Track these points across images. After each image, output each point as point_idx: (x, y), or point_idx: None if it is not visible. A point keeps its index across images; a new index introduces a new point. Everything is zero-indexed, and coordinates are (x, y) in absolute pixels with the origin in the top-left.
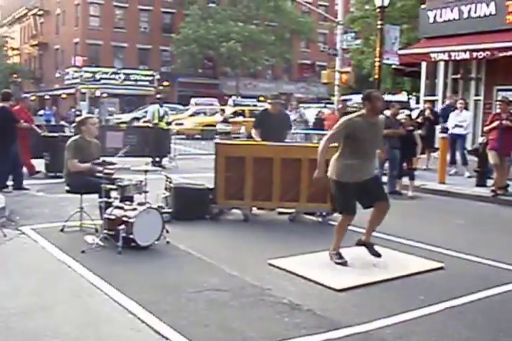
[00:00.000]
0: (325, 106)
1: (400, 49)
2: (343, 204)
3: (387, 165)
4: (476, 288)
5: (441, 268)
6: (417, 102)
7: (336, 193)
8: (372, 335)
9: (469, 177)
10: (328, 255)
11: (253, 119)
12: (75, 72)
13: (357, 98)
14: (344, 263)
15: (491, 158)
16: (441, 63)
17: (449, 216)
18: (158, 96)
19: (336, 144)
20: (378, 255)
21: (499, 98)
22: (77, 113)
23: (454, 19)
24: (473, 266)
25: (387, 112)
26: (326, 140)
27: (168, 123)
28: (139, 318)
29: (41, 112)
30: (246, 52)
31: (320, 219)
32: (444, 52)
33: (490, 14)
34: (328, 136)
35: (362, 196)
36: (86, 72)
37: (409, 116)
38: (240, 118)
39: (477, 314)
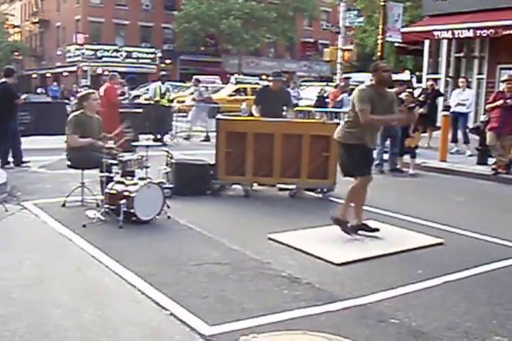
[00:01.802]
0: (327, 85)
1: (403, 27)
2: (364, 166)
3: (388, 142)
4: (474, 263)
5: (440, 243)
6: (419, 81)
7: (356, 157)
8: (370, 308)
9: (470, 155)
10: (327, 230)
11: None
12: (77, 49)
13: (357, 76)
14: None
15: (489, 138)
16: (445, 41)
17: (450, 193)
18: (163, 73)
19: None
20: (376, 230)
21: (505, 77)
22: (85, 88)
23: None
24: (473, 241)
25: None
26: (364, 114)
27: (170, 101)
28: (138, 289)
29: (39, 90)
30: (247, 29)
31: (320, 195)
32: (447, 30)
33: None
34: (362, 109)
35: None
36: (87, 49)
37: (412, 93)
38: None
39: (475, 288)
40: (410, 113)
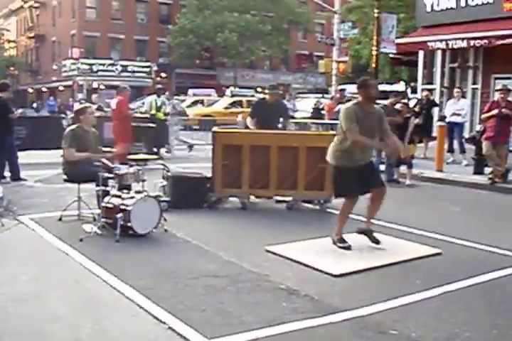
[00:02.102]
0: (322, 97)
1: (397, 38)
2: (345, 188)
3: (384, 153)
4: (472, 272)
5: (438, 253)
6: (413, 92)
7: (337, 178)
8: (369, 319)
9: (467, 165)
10: (325, 241)
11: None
12: (72, 64)
13: (351, 88)
14: (348, 248)
15: (485, 148)
16: (439, 52)
17: (447, 203)
18: (159, 86)
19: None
20: (377, 242)
21: (499, 86)
22: (82, 102)
23: (451, 8)
24: (470, 251)
25: (386, 101)
26: (352, 133)
27: (166, 114)
28: (136, 303)
29: (34, 105)
30: (242, 42)
31: (318, 207)
32: (441, 40)
33: (487, 2)
34: (349, 128)
35: (360, 181)
36: (83, 63)
37: (407, 104)
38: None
39: (474, 298)
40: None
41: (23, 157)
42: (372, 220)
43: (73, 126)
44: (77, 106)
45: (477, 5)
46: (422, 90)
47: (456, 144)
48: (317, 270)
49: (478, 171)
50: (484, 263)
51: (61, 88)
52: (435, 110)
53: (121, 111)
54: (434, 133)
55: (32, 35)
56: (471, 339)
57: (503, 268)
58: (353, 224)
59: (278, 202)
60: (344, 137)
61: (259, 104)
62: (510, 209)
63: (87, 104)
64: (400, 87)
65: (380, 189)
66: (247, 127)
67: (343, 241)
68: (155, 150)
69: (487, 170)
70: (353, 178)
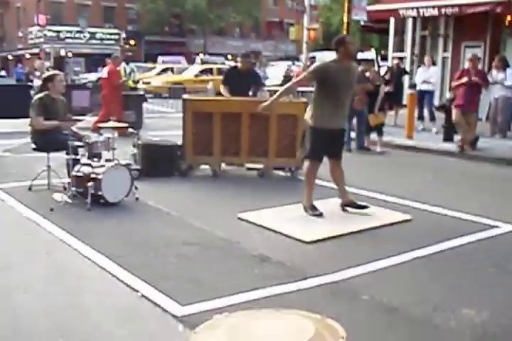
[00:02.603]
0: (293, 64)
1: (368, 5)
2: (314, 149)
3: (355, 121)
4: (442, 238)
5: (408, 220)
6: (383, 59)
7: (311, 139)
8: (341, 285)
9: (437, 133)
10: (296, 208)
11: (221, 77)
12: (38, 31)
13: (320, 55)
14: (319, 215)
15: (455, 115)
16: (410, 20)
17: (417, 170)
18: (129, 54)
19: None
20: (366, 207)
21: (469, 55)
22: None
23: None
24: (440, 217)
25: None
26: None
27: (135, 82)
28: (108, 272)
29: (2, 73)
30: (212, 8)
31: (289, 174)
32: (412, 8)
33: None
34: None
35: (327, 146)
36: (50, 30)
37: (378, 72)
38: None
39: (444, 263)
40: (377, 91)
41: None
42: (341, 188)
43: (41, 94)
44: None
45: None
46: (393, 58)
47: (426, 112)
48: (289, 237)
49: (448, 138)
50: (453, 229)
51: (27, 56)
52: (405, 78)
53: (112, 79)
54: (405, 101)
55: None
56: (441, 302)
57: (470, 233)
58: (323, 190)
59: (249, 169)
60: (317, 95)
61: (231, 72)
62: (479, 177)
63: (56, 72)
64: (371, 54)
65: (337, 161)
66: (218, 94)
67: (314, 208)
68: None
69: (456, 137)
70: (324, 141)
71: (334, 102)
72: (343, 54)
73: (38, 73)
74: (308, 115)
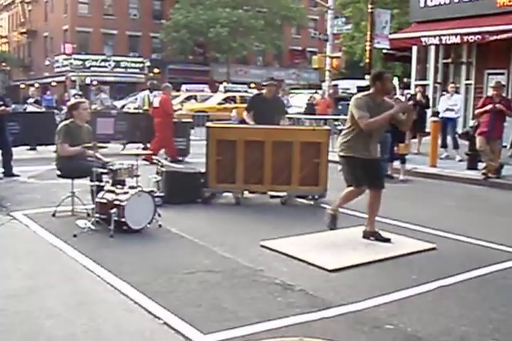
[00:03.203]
0: (316, 92)
1: (390, 33)
2: (356, 178)
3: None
4: (467, 267)
5: (433, 248)
6: (405, 88)
7: (348, 169)
8: (364, 314)
9: (460, 160)
10: (319, 236)
11: (245, 105)
12: (65, 59)
13: (343, 83)
14: (332, 228)
15: (479, 143)
16: (432, 47)
17: (441, 198)
18: (153, 81)
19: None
20: (388, 240)
21: (492, 83)
22: (76, 97)
23: (445, 3)
24: (464, 246)
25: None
26: (363, 120)
27: None
28: (131, 299)
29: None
30: (235, 37)
31: (312, 202)
32: (434, 36)
33: None
34: (361, 116)
35: (365, 174)
36: (76, 59)
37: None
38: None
39: (468, 292)
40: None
41: (16, 153)
42: (364, 215)
43: (66, 122)
44: (72, 100)
45: (470, 0)
46: (416, 86)
47: (449, 139)
48: (312, 265)
49: (472, 166)
50: (478, 258)
51: (54, 83)
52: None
53: (164, 109)
54: (428, 129)
55: (24, 30)
56: (467, 333)
57: (497, 263)
58: (350, 218)
59: (272, 197)
60: (351, 129)
61: (255, 99)
62: (504, 204)
63: (81, 99)
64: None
65: (378, 190)
66: (242, 122)
67: (334, 219)
68: (148, 145)
69: (481, 165)
70: (360, 169)
71: (368, 136)
72: (378, 89)
73: (31, 100)
74: (341, 147)
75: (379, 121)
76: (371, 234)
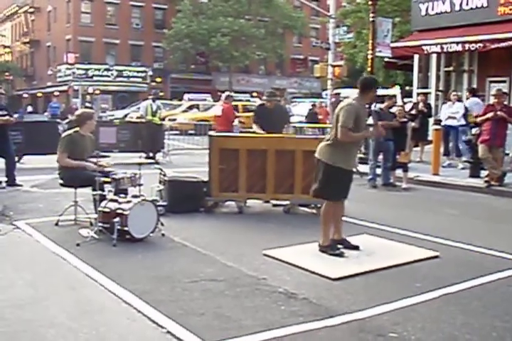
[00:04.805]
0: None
1: (392, 42)
2: (341, 190)
3: (381, 157)
4: (470, 275)
5: (436, 256)
6: (407, 96)
7: (334, 179)
8: (368, 322)
9: (463, 168)
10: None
11: (247, 114)
12: (67, 69)
13: (345, 92)
14: (341, 254)
15: (481, 151)
16: (434, 56)
17: (443, 206)
18: (156, 91)
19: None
20: (356, 247)
21: (494, 90)
22: (87, 106)
23: (446, 11)
24: (468, 254)
25: (382, 105)
26: (344, 130)
27: (161, 119)
28: (134, 308)
29: (29, 109)
30: (237, 46)
31: (314, 211)
32: (436, 44)
33: (482, 6)
34: (344, 124)
35: (347, 187)
36: (78, 69)
37: (403, 108)
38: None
39: (472, 300)
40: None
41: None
42: (369, 224)
43: (70, 131)
44: (82, 110)
45: (472, 9)
46: (418, 94)
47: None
48: (315, 273)
49: (475, 174)
50: (482, 266)
51: (56, 93)
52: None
53: (228, 117)
54: (430, 137)
55: (27, 40)
56: None
57: (500, 271)
58: (349, 226)
59: (275, 205)
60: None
61: (260, 110)
62: (507, 212)
63: (92, 111)
64: (395, 91)
65: (344, 200)
66: (243, 132)
67: (334, 247)
68: (151, 154)
69: (483, 173)
70: (347, 181)
71: (356, 143)
72: (369, 96)
73: (30, 108)
74: (330, 157)
75: (356, 138)
76: (339, 242)
